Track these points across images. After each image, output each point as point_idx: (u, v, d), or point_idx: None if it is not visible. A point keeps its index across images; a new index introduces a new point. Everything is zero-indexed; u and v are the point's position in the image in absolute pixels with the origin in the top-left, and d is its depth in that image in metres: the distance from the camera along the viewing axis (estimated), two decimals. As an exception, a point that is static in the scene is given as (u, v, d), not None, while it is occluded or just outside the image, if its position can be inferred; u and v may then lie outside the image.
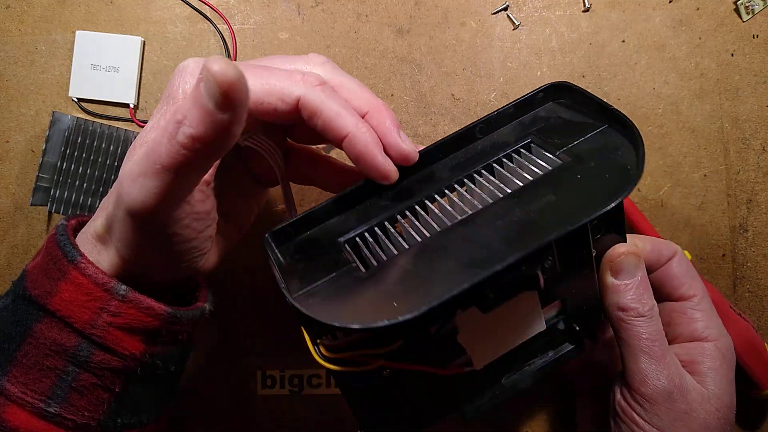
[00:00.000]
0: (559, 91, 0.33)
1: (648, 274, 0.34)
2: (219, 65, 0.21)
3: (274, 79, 0.28)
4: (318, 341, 0.29)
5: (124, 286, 0.30)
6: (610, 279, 0.32)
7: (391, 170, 0.30)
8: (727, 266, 0.42)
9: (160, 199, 0.26)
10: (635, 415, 0.33)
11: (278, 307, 0.43)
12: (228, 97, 0.22)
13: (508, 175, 0.30)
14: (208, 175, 0.30)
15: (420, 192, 0.31)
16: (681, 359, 0.33)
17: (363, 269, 0.28)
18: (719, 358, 0.33)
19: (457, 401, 0.33)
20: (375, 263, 0.28)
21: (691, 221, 0.42)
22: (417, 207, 0.30)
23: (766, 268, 0.42)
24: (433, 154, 0.32)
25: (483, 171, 0.31)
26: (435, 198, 0.30)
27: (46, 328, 0.29)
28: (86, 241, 0.31)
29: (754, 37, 0.42)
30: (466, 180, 0.31)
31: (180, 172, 0.25)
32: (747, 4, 0.41)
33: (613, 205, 0.26)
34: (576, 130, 0.31)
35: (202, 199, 0.30)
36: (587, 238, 0.31)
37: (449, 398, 0.33)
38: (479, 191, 0.30)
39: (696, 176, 0.42)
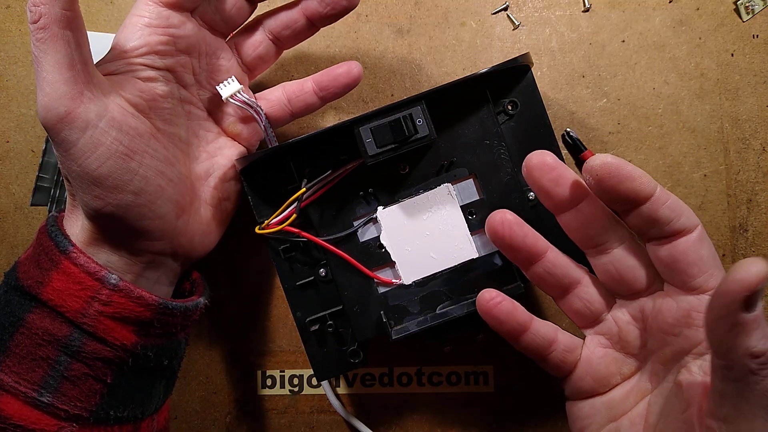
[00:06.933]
0: None
1: (651, 241, 0.29)
2: None
3: None
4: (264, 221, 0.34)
5: (115, 276, 0.30)
6: (741, 314, 0.22)
7: None
8: (727, 266, 0.42)
9: (62, 93, 0.28)
10: None
11: (278, 307, 0.43)
12: None
13: None
14: (134, 95, 0.32)
15: None
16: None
17: None
18: None
19: (389, 321, 0.35)
20: None
21: (691, 221, 0.42)
22: None
23: (766, 268, 0.42)
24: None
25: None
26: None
27: (38, 318, 0.30)
28: (64, 222, 0.33)
29: (754, 37, 0.42)
30: None
31: (58, 53, 0.28)
32: (747, 4, 0.41)
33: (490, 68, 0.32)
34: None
35: (122, 113, 0.31)
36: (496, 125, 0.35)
37: (380, 314, 0.35)
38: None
39: (696, 176, 0.42)
